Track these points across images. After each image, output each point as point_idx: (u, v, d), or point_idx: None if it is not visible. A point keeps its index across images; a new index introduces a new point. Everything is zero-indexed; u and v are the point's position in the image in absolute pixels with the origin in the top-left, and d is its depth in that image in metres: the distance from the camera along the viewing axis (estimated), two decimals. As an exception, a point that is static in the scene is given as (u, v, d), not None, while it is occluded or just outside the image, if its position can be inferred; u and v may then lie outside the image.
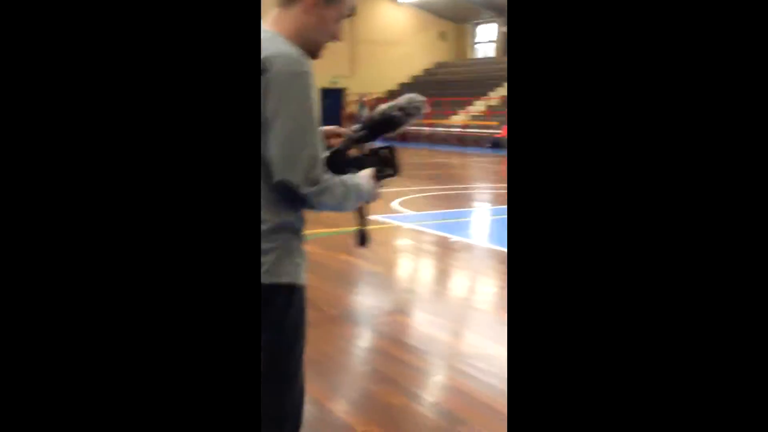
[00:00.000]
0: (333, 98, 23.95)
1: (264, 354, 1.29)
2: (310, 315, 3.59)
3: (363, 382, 2.86)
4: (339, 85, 24.29)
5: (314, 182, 1.36)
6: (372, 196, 1.55)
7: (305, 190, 1.35)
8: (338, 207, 1.45)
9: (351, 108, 22.94)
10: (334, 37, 1.52)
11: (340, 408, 2.59)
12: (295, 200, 1.39)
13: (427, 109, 1.66)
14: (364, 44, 24.95)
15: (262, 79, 1.30)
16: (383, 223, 6.65)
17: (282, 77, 1.33)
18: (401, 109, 1.59)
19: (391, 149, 1.62)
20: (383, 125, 1.60)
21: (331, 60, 22.65)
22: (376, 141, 1.64)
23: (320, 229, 6.02)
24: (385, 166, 1.59)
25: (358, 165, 1.57)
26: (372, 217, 6.53)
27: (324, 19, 1.47)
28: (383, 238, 6.10)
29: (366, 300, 4.21)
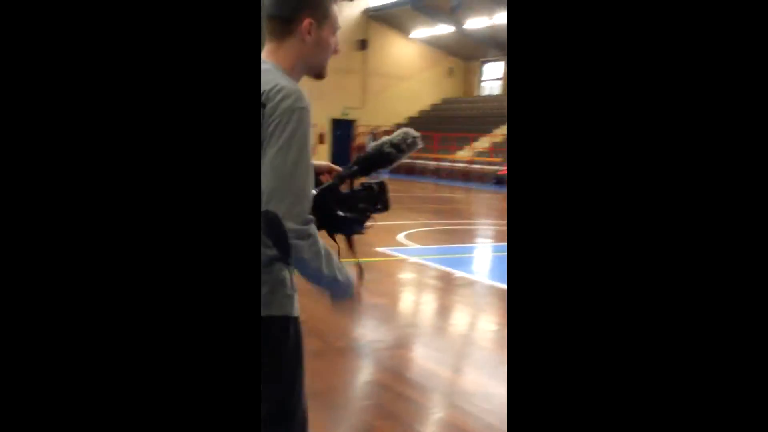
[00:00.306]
0: (343, 129, 24.17)
1: (263, 389, 1.24)
2: (316, 345, 3.62)
3: (365, 417, 2.90)
4: (350, 117, 24.59)
5: (299, 217, 1.33)
6: (345, 292, 1.50)
7: (288, 224, 1.32)
8: (310, 265, 1.39)
9: (361, 139, 23.13)
10: (335, 51, 1.52)
11: (343, 440, 2.62)
12: (277, 236, 1.34)
13: (420, 145, 1.70)
14: (375, 77, 25.27)
15: (262, 112, 1.32)
16: (389, 255, 6.71)
17: (280, 110, 1.33)
18: (394, 145, 1.63)
19: (381, 185, 1.65)
20: (376, 161, 1.64)
21: (343, 91, 23.00)
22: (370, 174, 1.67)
23: (326, 260, 6.07)
24: (376, 202, 1.62)
25: (348, 200, 1.59)
26: (379, 250, 6.52)
27: (321, 40, 1.47)
28: (388, 270, 6.15)
29: (370, 333, 4.25)
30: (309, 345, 3.94)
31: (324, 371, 3.32)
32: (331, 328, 4.08)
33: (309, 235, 1.36)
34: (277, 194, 1.32)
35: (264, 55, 1.46)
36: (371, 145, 1.67)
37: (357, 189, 1.63)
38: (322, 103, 22.23)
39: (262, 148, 1.33)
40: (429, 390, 3.22)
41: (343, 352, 3.74)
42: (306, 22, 1.44)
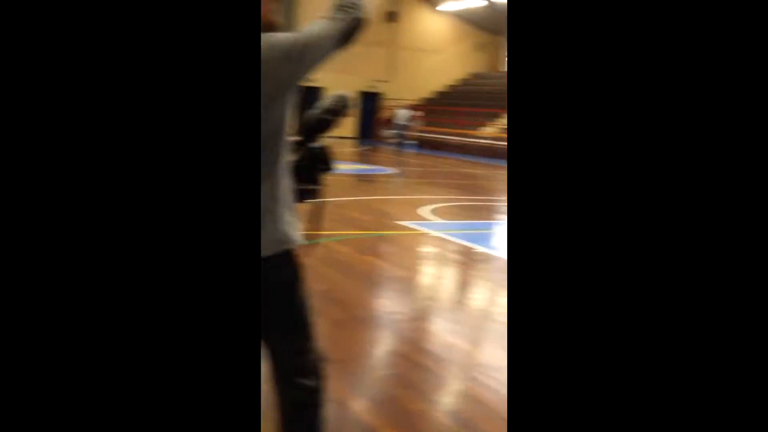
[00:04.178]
0: (369, 102, 24.09)
1: (281, 344, 1.66)
2: (337, 315, 3.68)
3: (385, 386, 2.96)
4: (376, 90, 24.55)
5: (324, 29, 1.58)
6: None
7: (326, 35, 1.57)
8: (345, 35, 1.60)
9: (387, 113, 23.06)
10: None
11: (362, 408, 2.69)
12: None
13: (350, 107, 1.91)
14: (403, 50, 25.05)
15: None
16: (410, 229, 6.75)
17: (279, 50, 1.52)
18: (330, 111, 1.82)
19: (324, 148, 1.87)
20: (317, 127, 1.85)
21: (370, 64, 22.87)
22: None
23: (350, 231, 6.14)
24: (321, 163, 1.84)
25: (299, 169, 1.78)
26: (401, 223, 6.56)
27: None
28: (410, 243, 6.20)
29: (390, 304, 4.31)
30: (330, 314, 4.01)
31: (344, 340, 3.40)
32: (352, 298, 4.15)
33: (341, 12, 1.59)
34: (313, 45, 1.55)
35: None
36: (310, 113, 1.86)
37: (302, 156, 1.83)
38: (349, 76, 22.18)
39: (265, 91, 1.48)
40: (447, 362, 3.28)
41: (363, 322, 3.81)
42: None
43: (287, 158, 1.65)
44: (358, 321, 3.81)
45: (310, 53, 1.56)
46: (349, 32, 1.60)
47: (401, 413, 2.66)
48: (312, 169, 1.83)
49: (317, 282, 4.26)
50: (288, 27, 1.71)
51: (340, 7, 1.61)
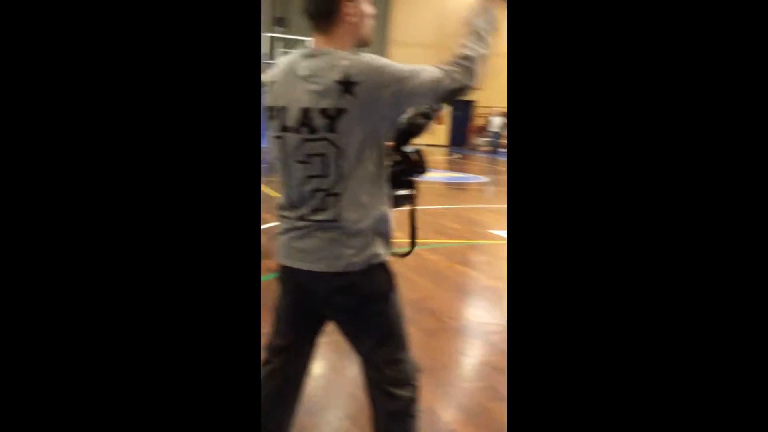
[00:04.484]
0: (462, 109, 23.99)
1: (380, 324, 1.69)
2: (430, 324, 3.65)
3: (475, 396, 2.92)
4: (468, 97, 24.20)
5: (447, 75, 1.57)
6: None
7: (447, 81, 1.57)
8: (474, 67, 1.62)
9: (480, 120, 22.86)
10: (371, 16, 1.67)
11: (452, 419, 2.67)
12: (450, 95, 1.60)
13: (441, 109, 1.88)
14: (497, 57, 24.55)
15: (355, 88, 1.51)
16: (503, 238, 6.65)
17: (375, 70, 1.53)
18: (423, 114, 1.80)
19: (419, 152, 1.85)
20: (409, 132, 1.83)
21: (463, 71, 22.63)
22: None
23: (441, 239, 6.12)
24: (415, 167, 1.82)
25: (395, 175, 1.78)
26: (494, 232, 6.43)
27: (361, 13, 1.62)
28: (501, 253, 6.10)
29: (482, 314, 4.26)
30: (423, 323, 4.00)
31: (436, 350, 3.38)
32: (444, 308, 4.12)
33: (453, 75, 1.58)
34: (426, 91, 1.56)
35: (321, 44, 1.61)
36: (404, 118, 1.84)
37: (397, 161, 1.82)
38: (442, 84, 22.07)
39: (356, 112, 1.53)
40: (541, 375, 3.20)
41: (456, 332, 3.78)
42: (345, 6, 1.58)
43: (384, 167, 1.66)
44: (449, 330, 3.78)
45: (414, 98, 1.58)
46: (454, 94, 1.60)
47: (491, 425, 2.62)
48: (406, 173, 1.83)
49: (409, 291, 4.26)
50: (379, 46, 1.74)
51: (458, 63, 1.60)
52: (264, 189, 8.99)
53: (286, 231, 1.69)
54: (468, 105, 24.22)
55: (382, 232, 1.66)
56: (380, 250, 1.66)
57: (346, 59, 1.54)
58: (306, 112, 1.56)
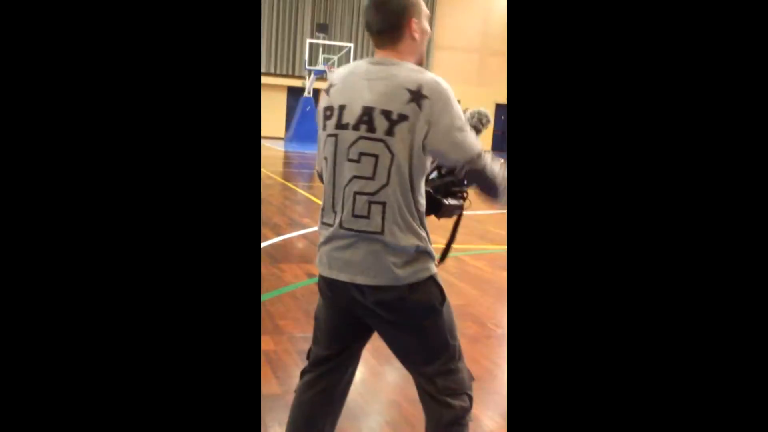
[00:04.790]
0: (506, 114, 23.76)
1: (431, 337, 1.67)
2: (474, 330, 3.62)
3: (520, 404, 2.87)
4: (512, 101, 24.01)
5: (480, 158, 1.63)
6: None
7: (478, 166, 1.62)
8: (494, 176, 1.67)
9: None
10: (429, 35, 1.74)
11: (496, 426, 2.62)
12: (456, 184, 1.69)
13: (490, 121, 1.89)
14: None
15: (424, 101, 1.55)
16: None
17: (444, 97, 1.58)
18: (472, 128, 1.77)
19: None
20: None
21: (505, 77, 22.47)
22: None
23: (485, 245, 6.05)
24: (462, 180, 1.81)
25: (443, 186, 1.79)
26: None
27: (424, 30, 1.68)
28: (548, 260, 6.01)
29: (527, 321, 4.19)
30: (467, 330, 3.96)
31: (480, 356, 3.33)
32: (488, 314, 4.07)
33: (485, 162, 1.64)
34: (476, 163, 1.62)
35: (388, 55, 1.65)
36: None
37: (444, 174, 1.81)
38: (486, 88, 22.03)
39: (421, 127, 1.55)
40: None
41: (499, 338, 3.72)
42: (412, 22, 1.64)
43: (425, 180, 1.66)
44: (492, 337, 3.72)
45: (450, 146, 1.59)
46: (475, 175, 1.67)
47: (538, 436, 2.56)
48: (457, 184, 1.81)
49: (452, 297, 4.20)
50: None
51: (496, 163, 1.66)
52: (306, 194, 9.07)
53: (328, 240, 1.66)
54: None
55: (426, 250, 1.64)
56: (427, 263, 1.64)
57: (421, 72, 1.59)
58: (368, 111, 1.57)
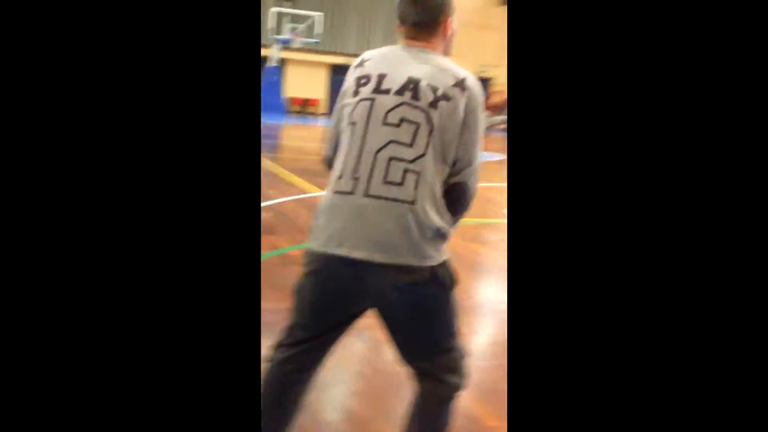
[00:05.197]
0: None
1: (443, 319, 1.68)
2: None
3: (488, 376, 2.86)
4: (486, 75, 24.04)
5: (477, 183, 1.69)
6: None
7: (473, 190, 1.69)
8: (470, 196, 1.72)
9: (495, 98, 22.59)
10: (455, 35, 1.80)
11: (465, 397, 2.60)
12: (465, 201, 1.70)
13: (504, 127, 1.91)
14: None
15: (462, 93, 1.59)
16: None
17: (478, 102, 1.64)
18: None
19: None
20: None
21: (481, 49, 22.57)
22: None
23: (455, 217, 6.04)
24: None
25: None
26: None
27: (454, 30, 1.74)
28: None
29: (495, 292, 4.18)
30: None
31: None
32: (460, 287, 4.04)
33: (475, 176, 1.69)
34: (471, 170, 1.65)
35: (424, 45, 1.68)
36: None
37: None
38: (459, 60, 21.86)
39: (447, 126, 1.57)
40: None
41: (469, 310, 3.71)
42: (449, 20, 1.70)
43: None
44: (462, 309, 3.70)
45: (463, 156, 1.62)
46: (461, 201, 1.71)
47: (505, 404, 2.55)
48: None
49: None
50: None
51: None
52: (270, 165, 8.94)
53: (339, 211, 1.54)
54: (485, 83, 23.99)
55: (446, 234, 1.63)
56: (444, 246, 1.64)
57: (462, 69, 1.65)
58: (414, 80, 1.57)
